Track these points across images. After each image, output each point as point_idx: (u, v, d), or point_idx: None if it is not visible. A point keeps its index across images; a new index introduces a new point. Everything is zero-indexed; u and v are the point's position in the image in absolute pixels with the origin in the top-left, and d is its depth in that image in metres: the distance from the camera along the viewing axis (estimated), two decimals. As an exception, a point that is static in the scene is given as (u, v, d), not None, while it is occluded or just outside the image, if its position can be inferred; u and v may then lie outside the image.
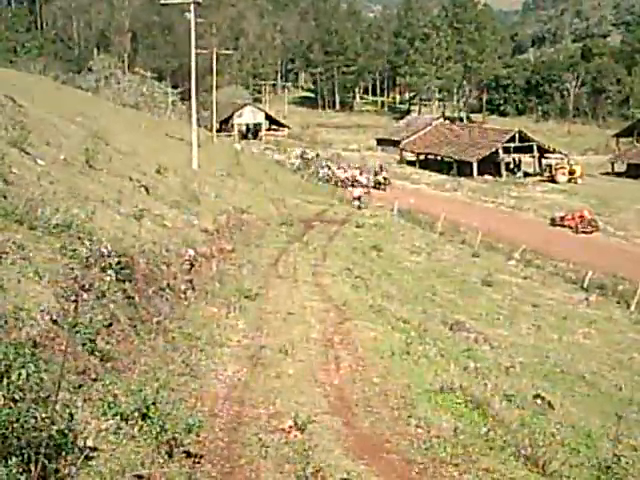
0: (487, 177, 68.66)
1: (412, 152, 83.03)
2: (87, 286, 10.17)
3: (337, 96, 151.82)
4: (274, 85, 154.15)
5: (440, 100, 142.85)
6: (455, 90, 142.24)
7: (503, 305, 25.66)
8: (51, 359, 7.48)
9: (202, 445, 8.22)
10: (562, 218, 46.28)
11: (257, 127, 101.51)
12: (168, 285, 14.53)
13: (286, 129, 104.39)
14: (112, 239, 13.50)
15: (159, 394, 8.09)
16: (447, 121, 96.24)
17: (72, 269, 10.47)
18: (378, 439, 9.64)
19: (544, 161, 72.71)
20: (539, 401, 13.56)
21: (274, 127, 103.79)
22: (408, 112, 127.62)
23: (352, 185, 54.82)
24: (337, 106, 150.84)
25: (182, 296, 14.93)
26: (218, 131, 77.69)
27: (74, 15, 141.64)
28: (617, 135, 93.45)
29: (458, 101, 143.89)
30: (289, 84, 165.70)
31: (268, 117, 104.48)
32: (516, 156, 72.41)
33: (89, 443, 6.38)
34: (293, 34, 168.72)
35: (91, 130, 28.00)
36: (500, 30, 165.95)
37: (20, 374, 5.75)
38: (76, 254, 11.03)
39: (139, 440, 7.32)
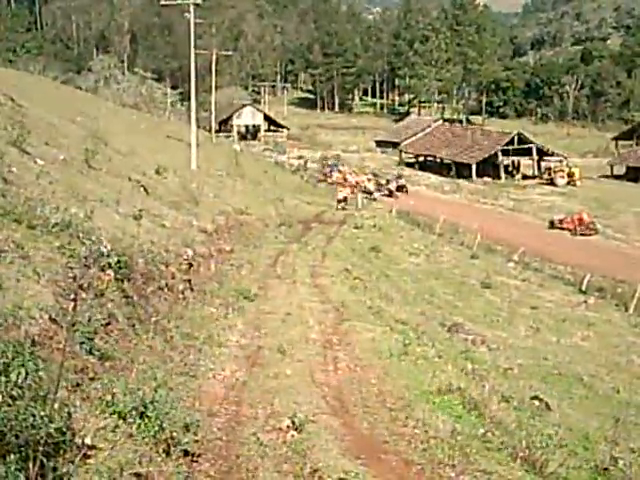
0: (486, 179, 68.74)
1: (411, 154, 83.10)
2: (86, 285, 10.17)
3: (336, 97, 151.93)
4: (273, 86, 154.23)
5: (439, 102, 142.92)
6: (454, 92, 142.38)
7: (501, 307, 25.66)
8: (50, 358, 7.48)
9: (200, 444, 8.21)
10: (561, 221, 46.32)
11: (256, 128, 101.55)
12: (167, 285, 14.53)
13: (285, 130, 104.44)
14: (111, 239, 13.50)
15: (157, 393, 8.08)
16: (446, 123, 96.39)
17: (71, 268, 10.47)
18: (376, 440, 9.64)
19: (543, 164, 72.81)
20: (537, 403, 13.57)
21: (273, 128, 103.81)
22: (407, 114, 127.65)
23: (341, 185, 53.19)
24: (336, 107, 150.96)
25: (180, 296, 14.93)
26: (217, 132, 77.80)
27: (74, 15, 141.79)
28: (616, 138, 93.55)
29: (457, 103, 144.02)
30: (288, 85, 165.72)
31: (267, 118, 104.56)
32: (515, 158, 72.50)
33: (87, 441, 6.37)
34: (293, 35, 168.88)
35: (90, 130, 28.03)
36: (500, 32, 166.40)
37: (19, 372, 5.75)
38: (75, 253, 11.03)
39: (137, 439, 7.31)
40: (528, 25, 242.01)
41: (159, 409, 7.77)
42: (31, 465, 5.46)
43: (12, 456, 5.38)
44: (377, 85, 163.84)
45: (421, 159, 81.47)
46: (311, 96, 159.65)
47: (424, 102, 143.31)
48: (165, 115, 79.06)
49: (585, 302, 28.49)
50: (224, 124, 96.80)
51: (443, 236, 39.80)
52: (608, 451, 10.64)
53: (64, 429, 5.95)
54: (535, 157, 72.56)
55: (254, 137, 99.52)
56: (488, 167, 69.41)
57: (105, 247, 12.07)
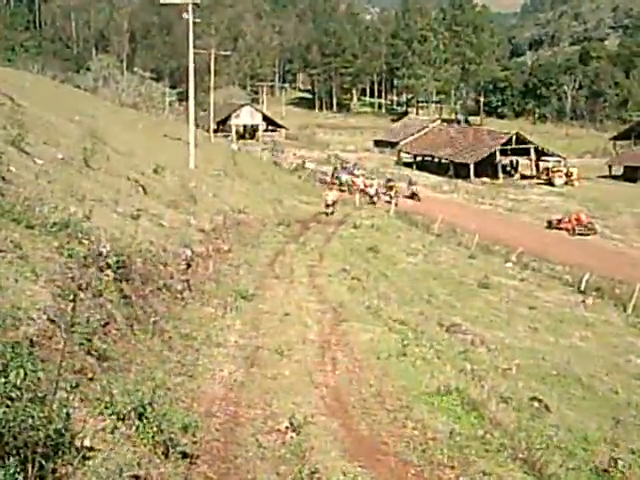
0: (484, 179, 68.81)
1: (409, 154, 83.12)
2: (84, 286, 10.15)
3: (334, 97, 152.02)
4: (272, 86, 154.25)
5: (437, 102, 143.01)
6: (452, 92, 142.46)
7: (500, 307, 25.63)
8: (48, 358, 7.46)
9: (198, 445, 8.19)
10: (559, 221, 46.37)
11: (254, 128, 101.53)
12: (165, 285, 14.49)
13: (283, 130, 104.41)
14: (109, 238, 13.47)
15: (155, 394, 8.06)
16: (444, 123, 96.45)
17: (69, 268, 10.45)
18: (374, 441, 9.63)
19: (541, 164, 72.87)
20: (536, 404, 13.57)
21: (271, 128, 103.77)
22: (405, 114, 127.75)
23: (330, 188, 46.75)
24: (334, 107, 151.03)
25: (179, 296, 14.89)
26: (215, 131, 77.68)
27: (73, 14, 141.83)
28: (614, 138, 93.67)
29: (455, 103, 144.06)
30: (287, 85, 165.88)
31: (265, 118, 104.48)
32: (513, 158, 72.58)
33: (86, 443, 6.35)
34: (291, 35, 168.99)
35: (89, 129, 27.98)
36: (498, 32, 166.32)
37: (17, 373, 5.72)
38: (73, 253, 11.00)
39: (135, 440, 7.29)
40: (526, 25, 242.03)
41: (157, 410, 7.75)
42: (30, 467, 5.44)
43: (11, 458, 5.36)
44: (375, 85, 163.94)
45: (419, 159, 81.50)
46: (309, 96, 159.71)
47: (422, 102, 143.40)
48: (164, 115, 79.00)
49: (583, 302, 28.49)
50: (222, 124, 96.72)
51: (441, 236, 39.78)
52: (607, 452, 10.63)
53: (63, 430, 5.92)
54: (533, 157, 72.64)
55: (252, 137, 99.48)
56: (486, 167, 69.46)
57: (104, 247, 12.05)
